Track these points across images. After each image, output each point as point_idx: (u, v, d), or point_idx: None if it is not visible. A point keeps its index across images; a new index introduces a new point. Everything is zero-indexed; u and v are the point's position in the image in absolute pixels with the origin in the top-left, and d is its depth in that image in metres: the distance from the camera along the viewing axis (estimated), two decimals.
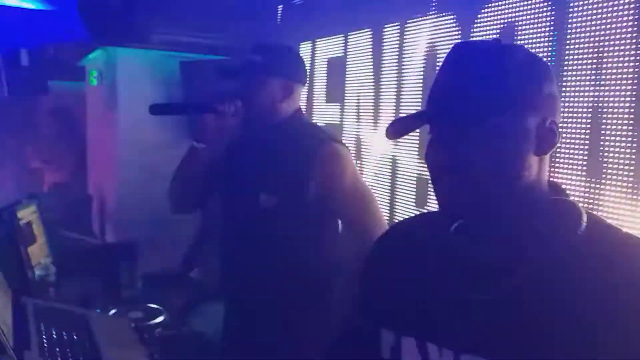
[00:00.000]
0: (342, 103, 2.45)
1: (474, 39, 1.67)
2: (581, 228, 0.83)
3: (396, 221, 2.10)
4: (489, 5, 1.68)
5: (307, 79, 1.91)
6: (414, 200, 2.04)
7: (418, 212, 1.99)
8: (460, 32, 1.78)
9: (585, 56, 1.40)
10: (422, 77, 1.89)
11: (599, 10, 1.37)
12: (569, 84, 1.44)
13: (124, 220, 3.02)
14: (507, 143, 0.84)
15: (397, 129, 0.91)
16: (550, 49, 1.50)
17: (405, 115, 0.93)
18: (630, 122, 1.30)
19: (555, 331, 0.78)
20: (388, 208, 2.16)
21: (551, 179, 0.92)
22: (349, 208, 1.79)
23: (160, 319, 2.03)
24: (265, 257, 1.77)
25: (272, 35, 2.68)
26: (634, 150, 1.29)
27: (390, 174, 2.16)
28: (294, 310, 1.76)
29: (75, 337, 1.44)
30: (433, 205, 1.94)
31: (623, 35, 1.32)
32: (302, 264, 1.77)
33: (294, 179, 1.72)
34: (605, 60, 1.36)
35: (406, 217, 2.03)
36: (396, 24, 2.10)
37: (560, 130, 0.88)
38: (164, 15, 2.61)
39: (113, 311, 2.01)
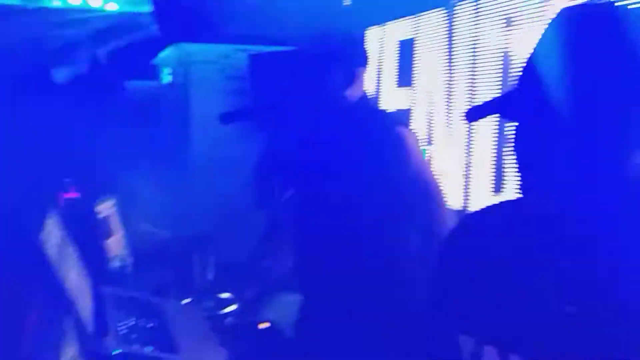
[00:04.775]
0: (412, 87, 2.37)
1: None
2: None
3: (469, 209, 2.01)
4: None
5: (370, 62, 1.87)
6: (490, 187, 1.93)
7: (494, 200, 1.89)
8: (541, 5, 1.66)
9: None
10: (500, 57, 1.78)
11: None
12: None
13: (198, 212, 3.10)
14: (629, 137, 0.70)
15: (479, 113, 0.80)
16: None
17: (488, 99, 0.82)
18: None
19: None
20: (463, 194, 2.06)
21: None
22: (413, 197, 1.72)
23: (231, 308, 2.06)
24: (337, 249, 1.74)
25: (340, 22, 2.65)
26: None
27: (464, 159, 2.06)
28: (367, 302, 1.72)
29: (150, 325, 1.47)
30: (510, 191, 1.84)
31: None
32: (376, 254, 1.73)
33: (360, 167, 1.70)
34: None
35: (481, 204, 1.93)
36: (471, 1, 2.00)
37: None
38: (233, 8, 2.64)
39: (186, 301, 2.06)
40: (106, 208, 2.47)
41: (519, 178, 0.79)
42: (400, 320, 1.66)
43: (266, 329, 2.00)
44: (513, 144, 0.79)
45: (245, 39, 3.00)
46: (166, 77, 3.36)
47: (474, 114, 0.80)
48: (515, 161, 0.79)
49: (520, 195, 0.81)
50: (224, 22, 2.72)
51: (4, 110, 2.89)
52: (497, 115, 0.77)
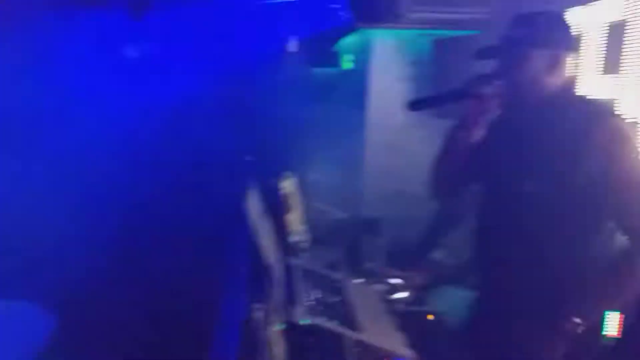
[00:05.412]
0: (620, 74, 2.12)
1: None
2: None
3: None
4: None
5: (577, 45, 1.70)
6: None
7: None
8: None
9: None
10: None
11: None
12: None
13: (370, 196, 3.15)
14: None
15: None
16: None
17: None
18: None
19: None
20: None
21: None
22: (626, 198, 1.54)
23: (403, 295, 2.05)
24: (526, 248, 1.65)
25: (534, 3, 2.46)
26: None
27: None
28: (549, 309, 1.62)
29: (334, 300, 1.52)
30: None
31: None
32: (568, 259, 1.61)
33: (563, 162, 1.56)
34: None
35: None
36: None
37: None
38: None
39: (359, 281, 2.10)
40: (288, 185, 2.62)
41: None
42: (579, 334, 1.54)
43: (434, 320, 1.96)
44: None
45: (428, 24, 2.94)
46: (347, 63, 3.44)
47: None
48: None
49: None
50: (408, 7, 2.69)
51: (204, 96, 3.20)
52: None
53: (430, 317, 1.95)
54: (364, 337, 1.35)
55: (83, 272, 2.38)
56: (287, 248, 2.11)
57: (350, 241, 2.63)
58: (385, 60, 3.12)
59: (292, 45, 3.13)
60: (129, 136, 3.07)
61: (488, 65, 1.74)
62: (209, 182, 2.93)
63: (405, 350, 1.38)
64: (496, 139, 1.80)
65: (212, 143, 3.09)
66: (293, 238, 2.29)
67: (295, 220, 2.55)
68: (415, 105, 1.83)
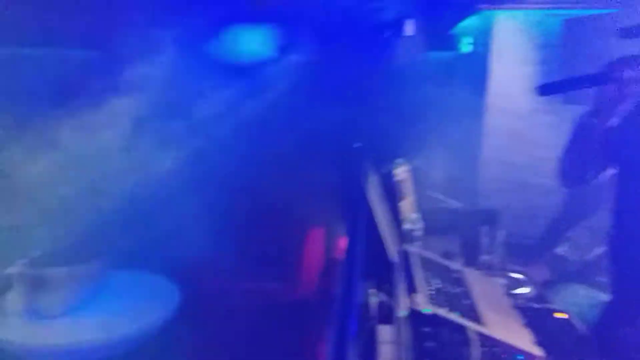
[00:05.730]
0: None
1: None
2: None
3: None
4: None
5: None
6: None
7: None
8: None
9: None
10: None
11: None
12: None
13: (489, 186, 3.03)
14: None
15: None
16: None
17: None
18: None
19: None
20: None
21: None
22: None
23: (525, 290, 1.96)
24: None
25: None
26: None
27: None
28: None
29: (455, 291, 1.48)
30: None
31: None
32: None
33: None
34: None
35: None
36: None
37: None
38: None
39: (477, 273, 2.02)
40: (402, 172, 2.58)
41: None
42: None
43: (561, 320, 1.85)
44: None
45: (558, 3, 2.75)
46: (465, 46, 3.31)
47: None
48: None
49: None
50: None
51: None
52: None
53: (559, 315, 1.85)
54: (488, 331, 1.30)
55: (203, 250, 2.52)
56: (401, 235, 2.08)
57: (467, 232, 2.55)
58: (507, 43, 2.97)
59: (409, 28, 3.06)
60: (243, 124, 3.17)
61: (631, 47, 1.58)
62: (325, 167, 2.96)
63: (533, 348, 1.31)
64: (636, 127, 1.64)
65: (327, 129, 3.11)
66: (406, 226, 2.26)
67: (408, 208, 2.51)
68: (546, 89, 1.71)
